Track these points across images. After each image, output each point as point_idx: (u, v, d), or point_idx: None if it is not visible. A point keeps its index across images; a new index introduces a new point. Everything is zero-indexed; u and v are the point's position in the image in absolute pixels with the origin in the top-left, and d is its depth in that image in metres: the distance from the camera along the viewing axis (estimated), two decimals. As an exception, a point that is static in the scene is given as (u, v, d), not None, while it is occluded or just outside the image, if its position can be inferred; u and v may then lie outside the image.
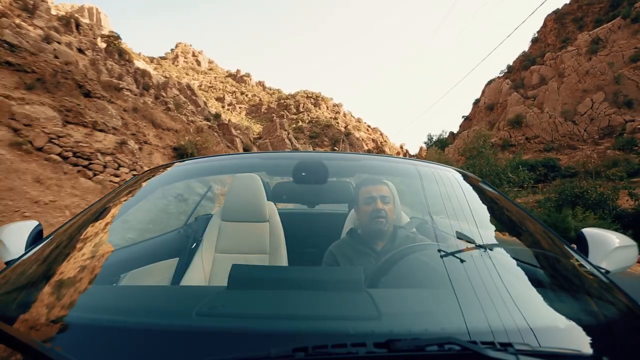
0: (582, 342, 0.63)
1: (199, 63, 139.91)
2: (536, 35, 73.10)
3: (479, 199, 1.30)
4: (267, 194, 1.73)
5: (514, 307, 0.69)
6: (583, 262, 0.90)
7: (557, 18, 68.13)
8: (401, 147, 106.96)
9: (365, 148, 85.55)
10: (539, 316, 0.70)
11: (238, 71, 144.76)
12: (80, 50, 21.98)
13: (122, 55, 29.58)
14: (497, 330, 0.60)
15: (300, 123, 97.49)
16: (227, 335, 0.58)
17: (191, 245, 1.68)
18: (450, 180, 1.35)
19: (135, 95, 20.10)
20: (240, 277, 0.76)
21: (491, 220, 1.18)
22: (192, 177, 1.75)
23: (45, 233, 1.05)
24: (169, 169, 1.45)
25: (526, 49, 72.87)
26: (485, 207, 1.25)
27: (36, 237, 1.00)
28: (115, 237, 1.10)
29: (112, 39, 31.35)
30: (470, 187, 1.34)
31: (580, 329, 0.67)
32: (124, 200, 1.19)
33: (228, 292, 0.73)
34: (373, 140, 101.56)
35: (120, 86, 17.11)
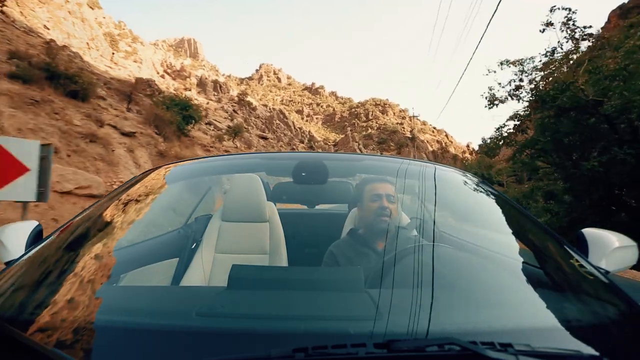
0: (582, 342, 0.62)
1: (279, 80, 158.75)
2: (599, 31, 71.68)
3: (478, 199, 1.30)
4: (267, 194, 1.75)
5: (514, 307, 0.70)
6: (583, 262, 0.90)
7: (621, 14, 67.21)
8: (467, 147, 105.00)
9: (430, 149, 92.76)
10: (539, 316, 0.69)
11: (313, 84, 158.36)
12: (234, 111, 32.56)
13: (250, 106, 42.42)
14: (497, 330, 0.60)
15: (370, 130, 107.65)
16: (227, 336, 0.58)
17: (191, 246, 1.70)
18: (450, 181, 1.37)
19: (273, 140, 29.84)
20: (240, 278, 0.76)
21: (491, 221, 1.18)
22: (193, 177, 1.76)
23: (45, 234, 1.05)
24: (169, 169, 1.45)
25: (590, 46, 71.88)
26: (485, 207, 1.25)
27: (36, 237, 1.00)
28: (115, 237, 1.10)
29: (242, 95, 45.75)
30: (470, 188, 1.35)
31: (580, 329, 0.66)
32: (124, 201, 1.20)
33: (228, 292, 0.73)
34: (437, 141, 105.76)
35: (267, 137, 27.15)
